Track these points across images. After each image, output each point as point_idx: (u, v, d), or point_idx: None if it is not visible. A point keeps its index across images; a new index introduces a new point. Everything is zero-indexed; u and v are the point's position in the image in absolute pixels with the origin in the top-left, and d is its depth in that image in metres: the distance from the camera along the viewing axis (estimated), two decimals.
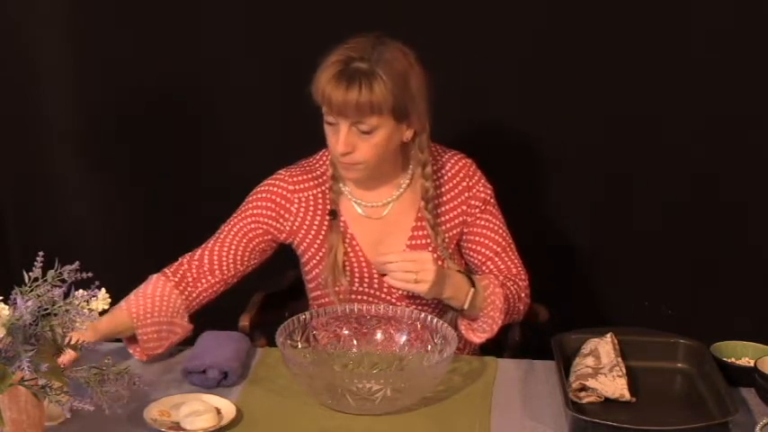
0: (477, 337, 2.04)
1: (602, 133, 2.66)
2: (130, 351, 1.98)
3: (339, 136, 1.94)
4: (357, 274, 2.10)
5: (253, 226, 2.10)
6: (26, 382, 1.54)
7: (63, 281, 1.58)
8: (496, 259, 2.12)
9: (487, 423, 1.79)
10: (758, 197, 2.67)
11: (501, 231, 2.12)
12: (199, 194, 2.77)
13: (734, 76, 2.58)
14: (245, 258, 2.10)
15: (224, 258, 2.08)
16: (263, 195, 2.11)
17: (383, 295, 2.11)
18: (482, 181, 2.13)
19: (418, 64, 1.98)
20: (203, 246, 2.12)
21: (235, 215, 2.12)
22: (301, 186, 2.11)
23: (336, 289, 2.08)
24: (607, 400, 1.84)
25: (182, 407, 1.75)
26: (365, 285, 2.10)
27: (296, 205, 2.10)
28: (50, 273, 1.58)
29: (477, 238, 2.12)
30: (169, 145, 2.78)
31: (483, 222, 2.12)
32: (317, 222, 2.10)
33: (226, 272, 2.08)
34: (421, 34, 2.52)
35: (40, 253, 1.58)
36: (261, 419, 1.79)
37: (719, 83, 2.59)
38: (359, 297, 2.11)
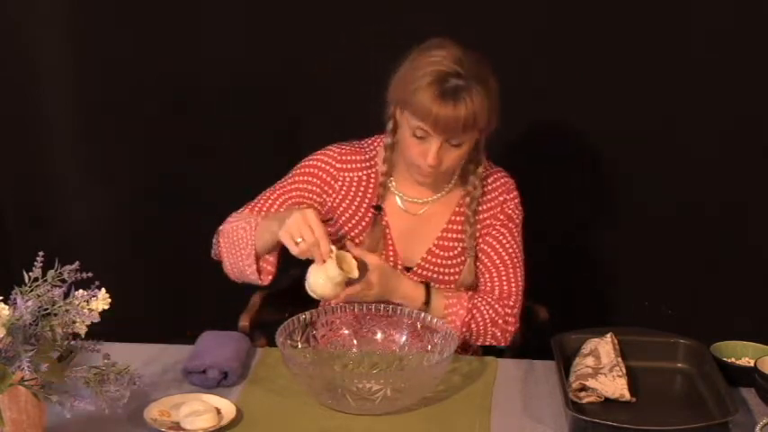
0: None
1: (603, 134, 2.66)
2: (256, 276, 2.06)
3: (430, 150, 1.96)
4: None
5: (297, 198, 2.12)
6: (26, 382, 1.54)
7: (63, 281, 1.59)
8: (494, 273, 2.12)
9: (487, 423, 1.79)
10: (758, 197, 2.68)
11: (510, 250, 2.12)
12: (199, 194, 2.77)
13: (734, 76, 2.58)
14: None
15: None
16: (310, 170, 2.14)
17: None
18: (516, 201, 2.15)
19: (493, 70, 1.99)
20: (249, 206, 2.14)
21: (281, 182, 2.14)
22: (349, 166, 2.14)
23: None
24: (607, 400, 1.84)
25: (182, 407, 1.75)
26: None
27: (340, 183, 2.13)
28: (50, 273, 1.59)
29: (485, 248, 2.13)
30: (169, 145, 2.78)
31: (497, 234, 2.13)
32: (355, 205, 2.12)
33: None
34: (420, 35, 2.53)
35: (40, 253, 1.58)
36: (261, 419, 1.78)
37: (719, 83, 2.59)
38: None
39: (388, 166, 2.11)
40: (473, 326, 2.06)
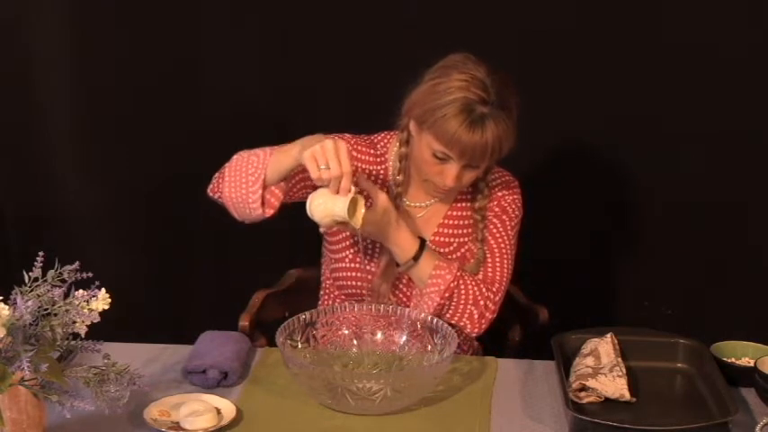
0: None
1: (603, 132, 2.66)
2: (258, 205, 1.96)
3: (450, 172, 1.96)
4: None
5: None
6: (26, 382, 1.54)
7: (63, 281, 1.58)
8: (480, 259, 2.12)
9: (487, 423, 1.79)
10: (758, 197, 2.68)
11: (499, 239, 2.12)
12: (199, 195, 2.77)
13: (734, 76, 2.58)
14: (289, 187, 2.03)
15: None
16: None
17: (400, 285, 2.13)
18: (513, 197, 2.14)
19: (515, 86, 1.97)
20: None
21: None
22: (362, 158, 2.12)
23: (369, 276, 2.11)
24: (607, 400, 1.84)
25: (182, 407, 1.75)
26: None
27: None
28: (50, 273, 1.59)
29: None
30: (169, 145, 2.77)
31: (488, 224, 2.12)
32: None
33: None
34: (418, 38, 2.54)
35: (40, 253, 1.58)
36: (261, 419, 1.79)
37: (720, 82, 2.59)
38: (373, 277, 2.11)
39: (403, 177, 2.09)
40: (455, 296, 2.03)
